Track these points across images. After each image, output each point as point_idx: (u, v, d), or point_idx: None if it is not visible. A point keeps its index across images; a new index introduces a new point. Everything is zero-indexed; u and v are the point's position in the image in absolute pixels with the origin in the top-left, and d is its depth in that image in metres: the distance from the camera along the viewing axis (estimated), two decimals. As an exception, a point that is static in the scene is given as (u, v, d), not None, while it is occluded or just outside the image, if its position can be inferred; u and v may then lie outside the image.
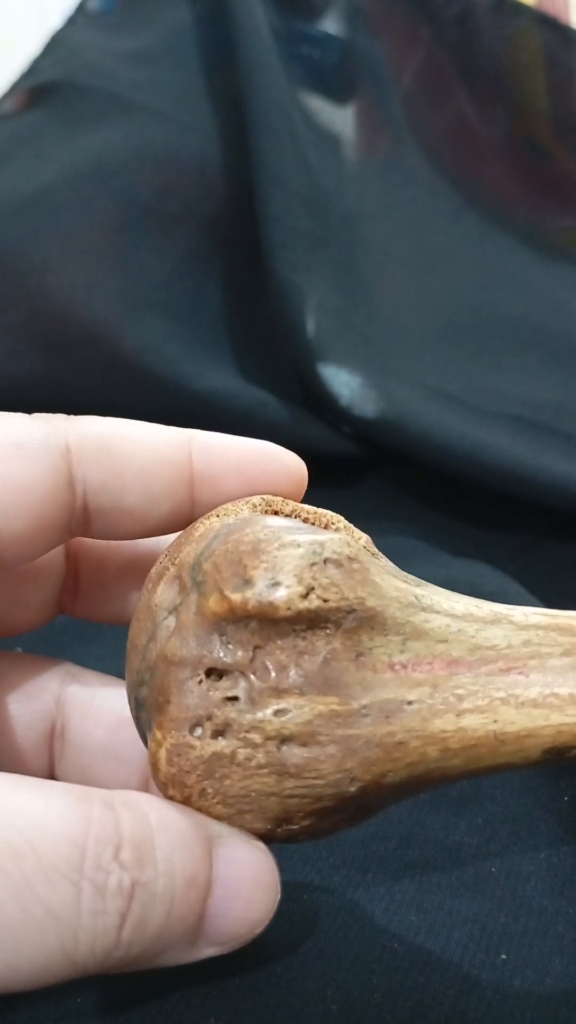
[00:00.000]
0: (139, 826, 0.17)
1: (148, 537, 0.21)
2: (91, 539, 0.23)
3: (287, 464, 0.21)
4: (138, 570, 0.23)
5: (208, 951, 0.18)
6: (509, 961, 0.22)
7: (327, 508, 0.20)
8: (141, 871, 0.16)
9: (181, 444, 0.20)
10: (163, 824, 0.17)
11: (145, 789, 0.21)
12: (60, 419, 0.20)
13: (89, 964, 0.16)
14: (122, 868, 0.16)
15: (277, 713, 0.17)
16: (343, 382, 0.40)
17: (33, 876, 0.15)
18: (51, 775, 0.22)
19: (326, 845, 0.24)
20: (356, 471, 0.43)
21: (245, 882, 0.17)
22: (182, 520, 0.21)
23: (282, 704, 0.17)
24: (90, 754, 0.22)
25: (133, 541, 0.23)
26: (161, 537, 0.22)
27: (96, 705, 0.22)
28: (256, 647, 0.18)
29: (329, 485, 0.37)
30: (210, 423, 0.23)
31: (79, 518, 0.20)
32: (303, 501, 0.21)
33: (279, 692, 0.17)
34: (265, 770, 0.17)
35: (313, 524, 0.20)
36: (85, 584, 0.23)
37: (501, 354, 0.46)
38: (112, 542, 0.23)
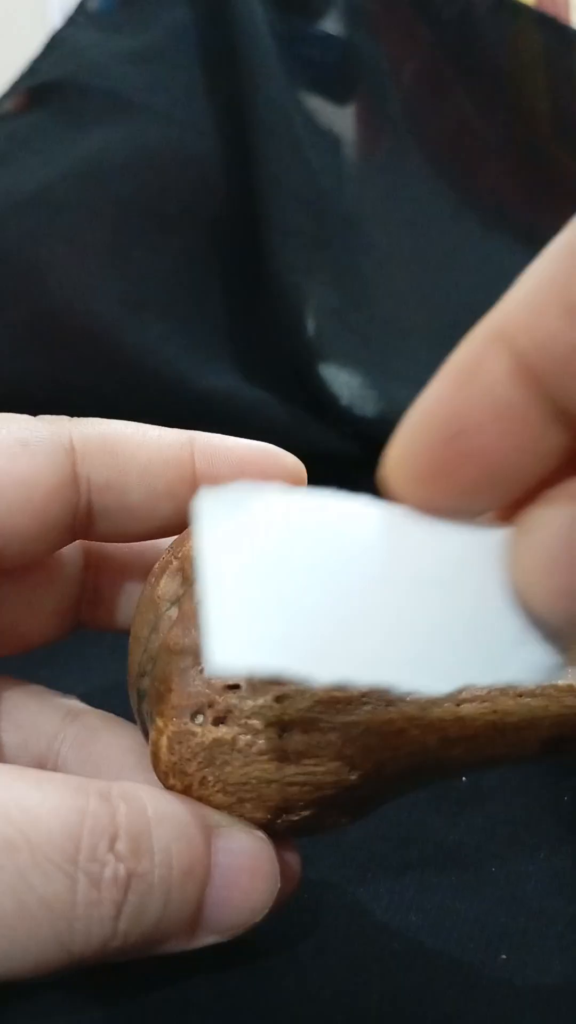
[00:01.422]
0: (136, 817, 0.17)
1: (152, 538, 0.22)
2: (112, 550, 0.23)
3: (286, 466, 0.21)
4: None
5: (208, 939, 0.18)
6: (509, 961, 0.22)
7: None
8: (137, 862, 0.16)
9: (183, 445, 0.21)
10: (161, 815, 0.17)
11: None
12: (64, 420, 0.20)
13: (86, 954, 0.16)
14: (117, 859, 0.16)
15: (278, 699, 0.17)
16: (343, 382, 0.40)
17: (27, 868, 0.15)
18: None
19: (326, 845, 0.24)
20: (356, 471, 0.43)
21: (244, 871, 0.17)
22: (185, 520, 0.21)
23: (283, 691, 0.17)
24: None
25: (155, 548, 0.23)
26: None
27: (100, 748, 0.22)
28: None
29: (329, 485, 0.37)
30: (210, 423, 0.23)
31: (83, 518, 0.20)
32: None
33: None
34: (266, 756, 0.17)
35: None
36: (106, 595, 0.23)
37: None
38: (133, 552, 0.23)
